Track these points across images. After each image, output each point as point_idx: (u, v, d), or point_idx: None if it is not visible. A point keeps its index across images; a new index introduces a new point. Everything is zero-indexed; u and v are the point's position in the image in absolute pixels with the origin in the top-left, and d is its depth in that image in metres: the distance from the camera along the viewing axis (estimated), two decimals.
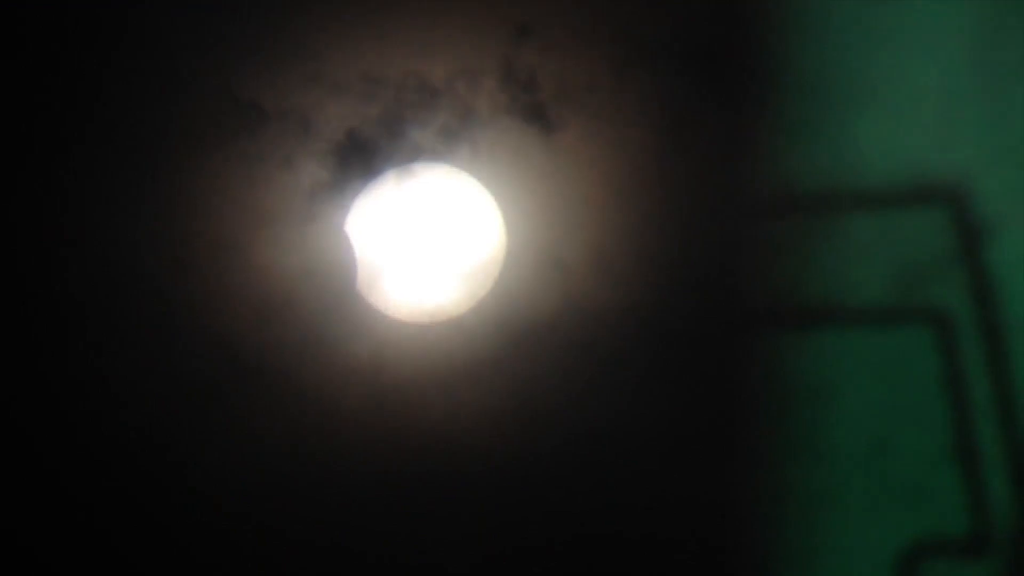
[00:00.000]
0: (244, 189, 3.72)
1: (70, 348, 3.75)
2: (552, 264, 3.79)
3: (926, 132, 3.93)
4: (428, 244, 3.85)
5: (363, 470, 3.76)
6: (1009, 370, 3.87)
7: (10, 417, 3.74)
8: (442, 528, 3.78)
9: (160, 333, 3.73)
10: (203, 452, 3.72)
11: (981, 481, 3.87)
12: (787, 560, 3.87)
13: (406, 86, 3.71)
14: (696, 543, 3.82)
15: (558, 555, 3.80)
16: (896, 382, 3.90)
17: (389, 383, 3.75)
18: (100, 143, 3.74)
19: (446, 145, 3.74)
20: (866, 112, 3.92)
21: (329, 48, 3.74)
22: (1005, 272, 3.89)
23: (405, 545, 3.78)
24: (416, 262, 3.84)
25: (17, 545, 3.74)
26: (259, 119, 3.69)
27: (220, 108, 3.70)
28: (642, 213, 3.78)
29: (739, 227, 3.84)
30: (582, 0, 3.77)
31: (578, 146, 3.76)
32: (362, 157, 3.71)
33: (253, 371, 3.70)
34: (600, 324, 3.78)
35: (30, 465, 3.75)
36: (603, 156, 3.78)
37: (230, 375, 3.70)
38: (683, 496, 3.83)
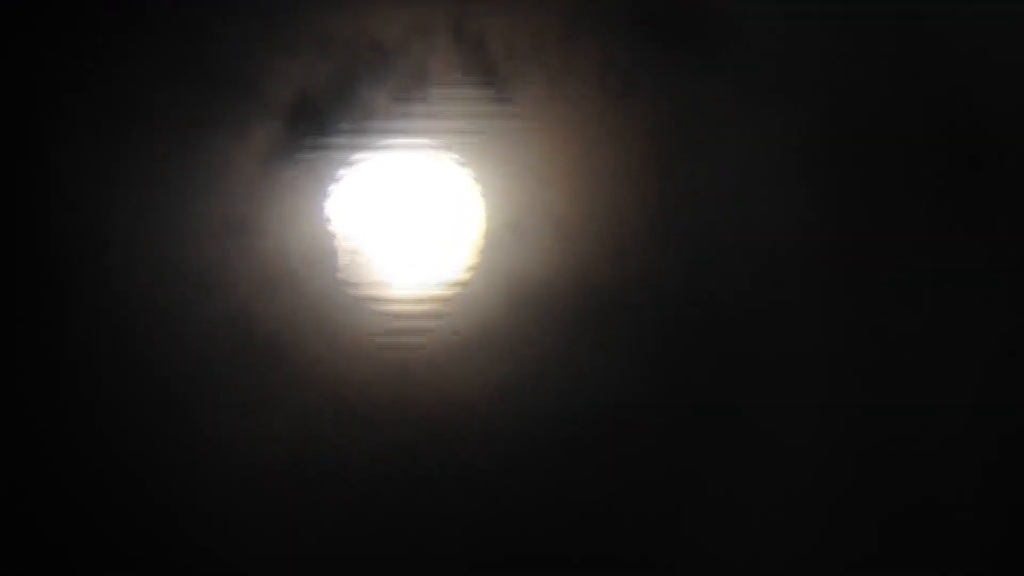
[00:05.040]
0: (201, 157, 3.76)
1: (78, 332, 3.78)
2: (511, 228, 3.82)
3: None
4: (411, 219, 3.86)
5: (376, 445, 3.76)
6: None
7: (23, 393, 3.76)
8: (455, 499, 3.78)
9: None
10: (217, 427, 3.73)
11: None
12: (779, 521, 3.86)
13: (358, 45, 3.75)
14: (688, 504, 3.81)
15: (565, 526, 3.79)
16: None
17: (388, 361, 3.76)
18: (76, 123, 3.78)
19: (400, 104, 3.77)
20: None
21: (281, 9, 3.77)
22: None
23: (418, 517, 3.77)
24: (402, 239, 3.85)
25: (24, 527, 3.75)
26: (210, 83, 3.73)
27: (176, 75, 3.74)
28: (598, 174, 3.81)
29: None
30: None
31: (533, 104, 3.79)
32: (316, 118, 3.74)
33: (260, 346, 3.72)
34: (562, 289, 3.79)
35: (38, 446, 3.76)
36: (558, 115, 3.80)
37: (233, 350, 3.72)
38: (671, 461, 3.82)
